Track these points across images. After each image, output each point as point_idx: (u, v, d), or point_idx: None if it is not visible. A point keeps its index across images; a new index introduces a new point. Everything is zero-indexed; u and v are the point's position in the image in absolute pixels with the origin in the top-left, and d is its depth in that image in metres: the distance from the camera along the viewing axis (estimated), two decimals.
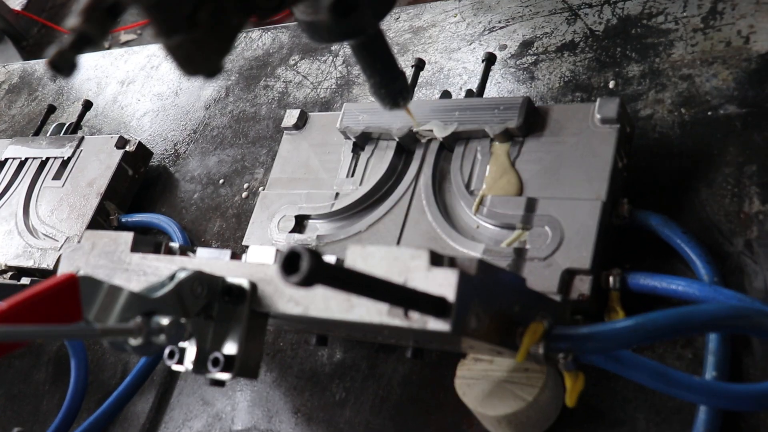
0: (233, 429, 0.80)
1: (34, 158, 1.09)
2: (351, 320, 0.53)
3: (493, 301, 0.53)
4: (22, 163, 1.10)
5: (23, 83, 1.40)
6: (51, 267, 0.96)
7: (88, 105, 1.16)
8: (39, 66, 1.42)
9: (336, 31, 0.53)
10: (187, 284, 0.57)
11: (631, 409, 0.64)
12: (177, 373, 0.88)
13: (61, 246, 0.97)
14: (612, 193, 0.69)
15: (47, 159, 1.08)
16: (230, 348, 0.58)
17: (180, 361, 0.59)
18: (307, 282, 0.39)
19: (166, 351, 0.59)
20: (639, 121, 0.79)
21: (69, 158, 1.06)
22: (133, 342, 0.53)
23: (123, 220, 1.01)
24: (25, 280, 0.96)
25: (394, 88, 0.62)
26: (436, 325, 0.50)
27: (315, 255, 0.39)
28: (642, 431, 0.63)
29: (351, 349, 0.79)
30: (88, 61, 1.36)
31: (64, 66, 0.45)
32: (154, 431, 0.85)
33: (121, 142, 1.05)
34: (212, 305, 0.58)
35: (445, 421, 0.71)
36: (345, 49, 1.07)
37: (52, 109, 1.20)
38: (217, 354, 0.58)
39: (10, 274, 0.97)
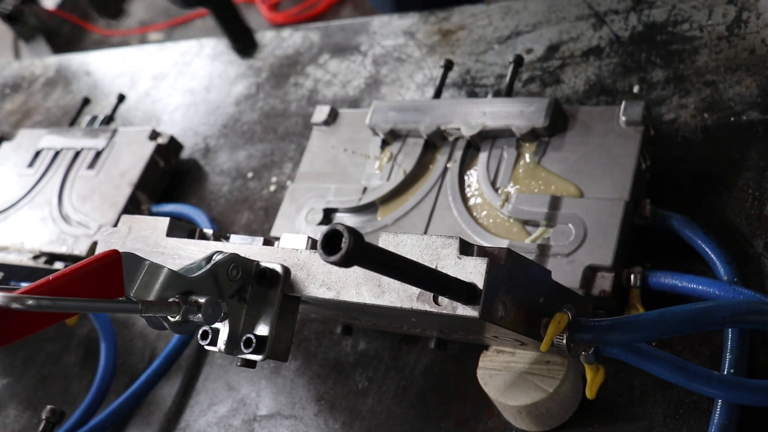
0: (258, 414, 0.82)
1: (68, 148, 1.12)
2: (382, 305, 0.55)
3: (520, 291, 0.55)
4: (57, 153, 1.12)
5: (59, 77, 1.43)
6: (83, 253, 0.98)
7: (121, 98, 1.19)
8: (75, 60, 1.45)
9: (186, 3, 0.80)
10: (223, 266, 0.58)
11: (649, 404, 0.66)
12: (203, 359, 0.90)
13: (94, 233, 0.99)
14: (635, 194, 0.71)
15: (81, 149, 1.11)
16: (262, 330, 0.59)
17: (213, 342, 0.60)
18: (347, 260, 0.40)
19: (200, 331, 0.61)
20: (662, 125, 0.80)
21: (103, 149, 1.09)
22: (172, 319, 0.55)
23: (153, 209, 1.04)
24: (58, 265, 0.99)
25: (243, 43, 0.84)
26: (465, 311, 0.51)
27: (356, 234, 0.40)
28: (659, 426, 0.64)
29: (374, 339, 0.81)
30: (121, 55, 1.40)
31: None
32: (180, 415, 0.87)
33: (154, 135, 1.07)
34: (246, 288, 0.60)
35: (466, 411, 0.72)
36: (374, 50, 1.09)
37: (86, 101, 1.23)
38: (249, 335, 0.59)
39: (44, 259, 1.00)
